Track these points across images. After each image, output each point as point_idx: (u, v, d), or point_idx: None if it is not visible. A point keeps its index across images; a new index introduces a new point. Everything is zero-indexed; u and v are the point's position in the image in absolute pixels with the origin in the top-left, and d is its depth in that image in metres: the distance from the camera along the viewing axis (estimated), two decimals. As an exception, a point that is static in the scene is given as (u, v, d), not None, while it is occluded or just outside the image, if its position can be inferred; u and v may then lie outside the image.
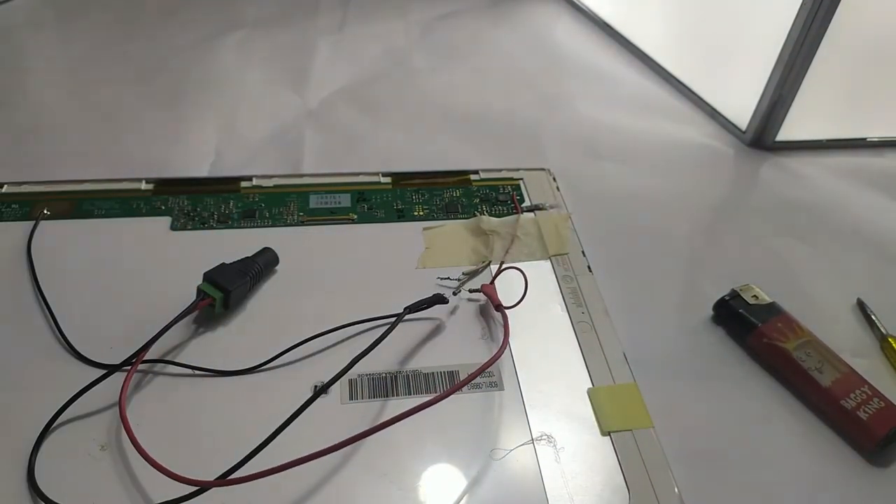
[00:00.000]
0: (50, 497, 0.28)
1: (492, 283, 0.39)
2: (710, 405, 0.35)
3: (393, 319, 0.36)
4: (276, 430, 0.29)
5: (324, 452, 0.28)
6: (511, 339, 0.36)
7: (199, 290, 0.36)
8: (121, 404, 0.31)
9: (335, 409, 0.32)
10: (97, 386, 0.32)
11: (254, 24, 0.69)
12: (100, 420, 0.32)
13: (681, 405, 0.35)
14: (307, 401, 0.30)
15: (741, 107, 0.55)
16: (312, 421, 0.30)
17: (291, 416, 0.30)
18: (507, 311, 0.36)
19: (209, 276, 0.36)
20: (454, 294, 0.39)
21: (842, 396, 0.34)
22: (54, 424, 0.31)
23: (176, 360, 0.34)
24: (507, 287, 0.39)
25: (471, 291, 0.39)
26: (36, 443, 0.30)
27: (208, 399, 0.33)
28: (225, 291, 0.36)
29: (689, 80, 0.60)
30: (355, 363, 0.32)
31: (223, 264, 0.37)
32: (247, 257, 0.39)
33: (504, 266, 0.40)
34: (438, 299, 0.37)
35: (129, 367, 0.33)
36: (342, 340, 0.36)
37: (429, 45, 0.68)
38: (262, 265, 0.39)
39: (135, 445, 0.29)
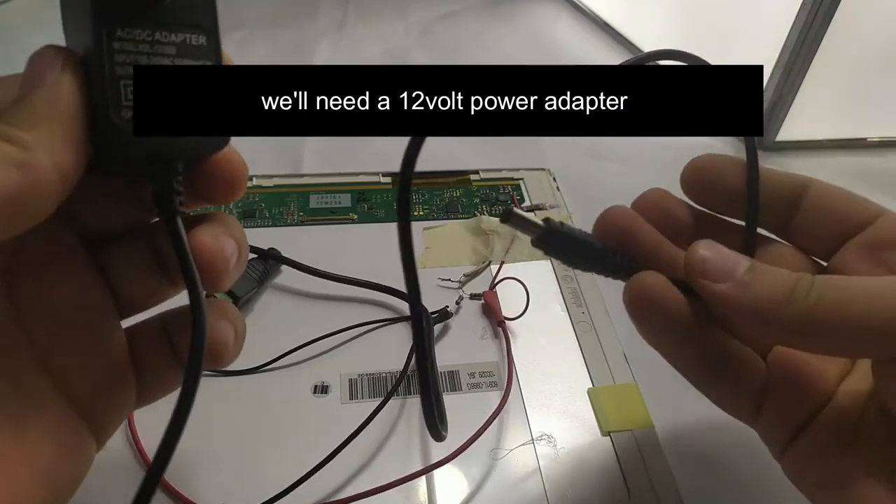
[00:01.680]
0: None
1: (492, 289, 0.39)
2: (710, 405, 0.35)
3: (393, 321, 0.36)
4: (333, 451, 0.29)
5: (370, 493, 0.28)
6: (511, 340, 0.36)
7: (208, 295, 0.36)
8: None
9: (335, 409, 0.32)
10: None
11: (254, 24, 0.69)
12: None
13: (681, 405, 0.35)
14: (368, 417, 0.30)
15: (741, 107, 0.55)
16: (312, 421, 0.30)
17: (350, 435, 0.29)
18: (508, 323, 0.36)
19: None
20: (456, 304, 0.38)
21: (842, 396, 0.34)
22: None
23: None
24: (508, 288, 0.39)
25: (471, 297, 0.39)
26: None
27: (210, 399, 0.33)
28: (234, 298, 0.36)
29: (690, 80, 0.60)
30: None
31: None
32: (254, 258, 0.39)
33: (503, 278, 0.39)
34: (444, 316, 0.37)
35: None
36: (344, 342, 0.36)
37: (429, 44, 0.68)
38: (268, 267, 0.38)
39: (142, 456, 0.29)
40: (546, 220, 0.21)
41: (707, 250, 0.17)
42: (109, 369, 0.16)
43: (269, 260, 0.39)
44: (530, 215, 0.20)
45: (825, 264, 0.21)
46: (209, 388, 0.33)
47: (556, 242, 0.20)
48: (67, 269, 0.16)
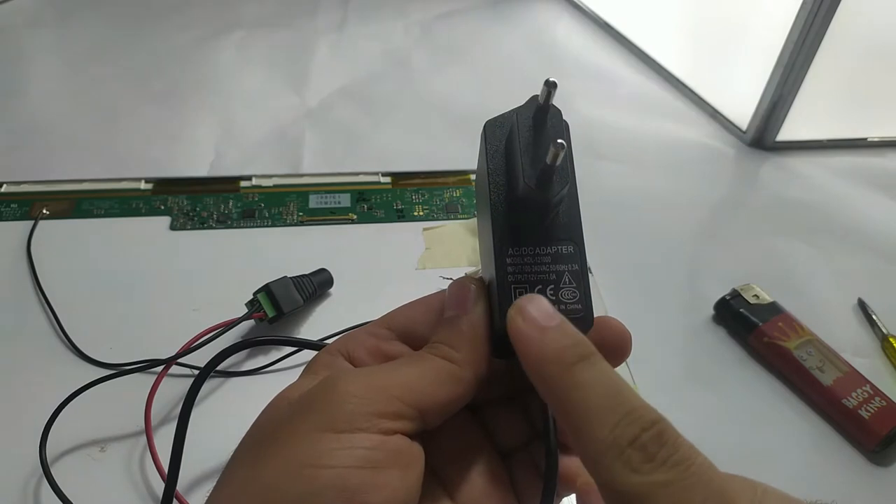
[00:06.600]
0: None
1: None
2: (711, 405, 0.35)
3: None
4: None
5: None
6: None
7: (256, 300, 0.35)
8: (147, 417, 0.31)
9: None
10: (98, 384, 0.32)
11: (253, 24, 0.69)
12: (101, 419, 0.31)
13: (681, 405, 0.35)
14: None
15: (742, 107, 0.55)
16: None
17: None
18: None
19: (270, 291, 0.35)
20: None
21: (843, 395, 0.34)
22: (54, 423, 0.31)
23: (180, 362, 0.34)
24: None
25: None
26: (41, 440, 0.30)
27: (212, 399, 0.33)
28: (280, 313, 0.35)
29: (690, 80, 0.60)
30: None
31: (286, 278, 0.36)
32: (305, 275, 0.38)
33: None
34: None
35: (132, 368, 0.33)
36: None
37: (429, 44, 0.68)
38: (317, 285, 0.38)
39: (157, 467, 0.29)
40: None
41: (536, 303, 0.19)
42: (493, 489, 0.21)
43: (321, 279, 0.38)
44: None
45: None
46: (213, 389, 0.33)
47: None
48: (458, 426, 0.21)
